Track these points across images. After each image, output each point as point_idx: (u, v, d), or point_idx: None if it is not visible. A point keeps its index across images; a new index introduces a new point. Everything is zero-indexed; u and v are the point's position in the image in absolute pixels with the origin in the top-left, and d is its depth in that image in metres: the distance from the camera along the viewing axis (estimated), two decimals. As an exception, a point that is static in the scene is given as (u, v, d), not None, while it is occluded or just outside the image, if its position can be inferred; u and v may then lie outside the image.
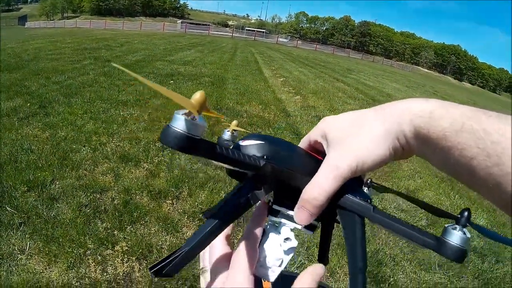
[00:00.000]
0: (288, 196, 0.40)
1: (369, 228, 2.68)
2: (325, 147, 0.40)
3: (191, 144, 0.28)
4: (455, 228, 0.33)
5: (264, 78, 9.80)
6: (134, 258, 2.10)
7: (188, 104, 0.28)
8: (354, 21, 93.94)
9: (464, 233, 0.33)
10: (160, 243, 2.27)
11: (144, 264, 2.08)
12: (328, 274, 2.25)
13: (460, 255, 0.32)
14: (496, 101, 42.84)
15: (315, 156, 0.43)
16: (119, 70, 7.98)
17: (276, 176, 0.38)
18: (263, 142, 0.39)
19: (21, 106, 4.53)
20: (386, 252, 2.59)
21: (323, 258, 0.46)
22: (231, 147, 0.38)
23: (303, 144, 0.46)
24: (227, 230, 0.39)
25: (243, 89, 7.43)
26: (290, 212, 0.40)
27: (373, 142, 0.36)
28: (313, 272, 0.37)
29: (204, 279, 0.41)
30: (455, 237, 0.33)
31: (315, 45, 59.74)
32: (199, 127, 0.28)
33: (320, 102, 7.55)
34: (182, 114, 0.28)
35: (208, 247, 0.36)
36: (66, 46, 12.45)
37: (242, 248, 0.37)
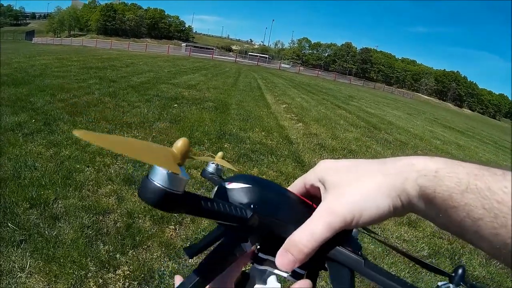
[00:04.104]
0: (276, 244, 0.36)
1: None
2: (322, 192, 0.38)
3: (173, 201, 0.25)
4: None
5: (266, 104, 9.88)
6: (135, 283, 2.07)
7: (166, 161, 0.25)
8: (356, 47, 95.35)
9: None
10: (162, 268, 2.24)
11: (146, 290, 2.06)
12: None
13: None
14: (495, 127, 43.01)
15: (307, 201, 0.40)
16: (125, 91, 8.07)
17: (264, 226, 0.36)
18: (250, 186, 0.36)
19: (26, 122, 4.56)
20: None
21: None
22: (216, 187, 0.37)
23: (295, 187, 0.43)
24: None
25: (246, 115, 7.48)
26: None
27: (374, 195, 0.34)
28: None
29: None
30: None
31: (317, 72, 60.92)
32: (181, 181, 0.25)
33: (322, 130, 7.59)
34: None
35: None
36: (72, 64, 12.65)
37: None
